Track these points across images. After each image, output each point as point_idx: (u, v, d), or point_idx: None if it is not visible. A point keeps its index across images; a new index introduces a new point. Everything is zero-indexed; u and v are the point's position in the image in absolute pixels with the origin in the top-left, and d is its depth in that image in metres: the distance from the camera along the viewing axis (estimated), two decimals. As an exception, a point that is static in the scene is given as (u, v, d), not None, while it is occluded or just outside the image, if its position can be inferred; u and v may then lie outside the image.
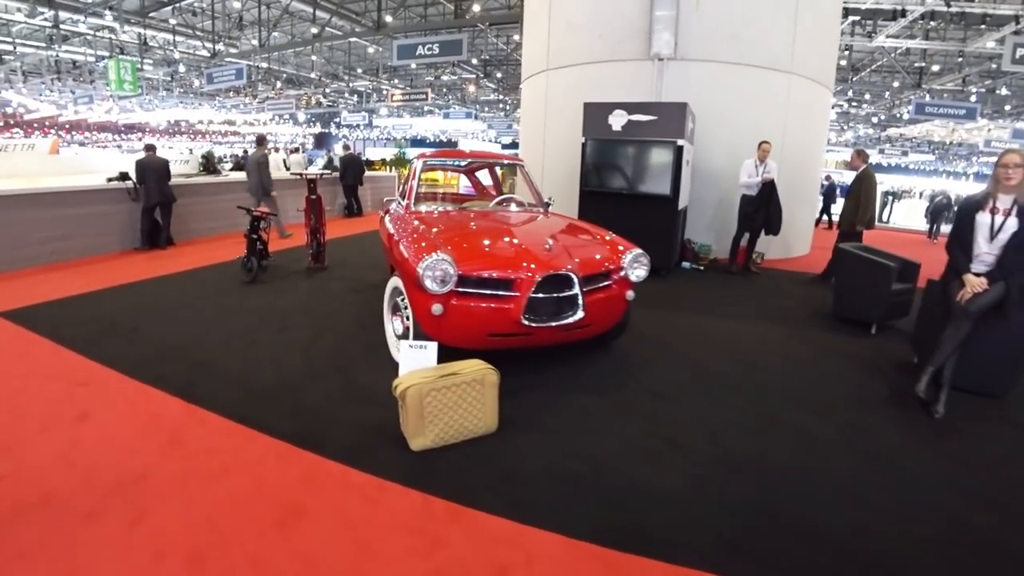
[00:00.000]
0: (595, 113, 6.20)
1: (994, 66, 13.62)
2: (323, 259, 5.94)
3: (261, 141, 7.86)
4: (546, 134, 8.46)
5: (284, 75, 21.54)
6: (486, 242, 3.22)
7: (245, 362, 3.33)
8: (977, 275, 3.03)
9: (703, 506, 2.12)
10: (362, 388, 3.00)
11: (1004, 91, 15.47)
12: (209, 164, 12.32)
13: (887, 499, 2.24)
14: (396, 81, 22.75)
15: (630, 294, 3.29)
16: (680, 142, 5.74)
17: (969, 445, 2.76)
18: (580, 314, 2.96)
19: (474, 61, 19.83)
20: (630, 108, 5.99)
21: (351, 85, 22.54)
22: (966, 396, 3.23)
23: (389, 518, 1.96)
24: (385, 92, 22.43)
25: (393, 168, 17.93)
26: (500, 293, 2.81)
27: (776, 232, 6.41)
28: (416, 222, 3.52)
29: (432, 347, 2.81)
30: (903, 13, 10.97)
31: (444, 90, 25.41)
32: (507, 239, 3.28)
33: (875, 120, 21.42)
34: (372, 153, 30.98)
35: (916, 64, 15.46)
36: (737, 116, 6.98)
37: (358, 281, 5.43)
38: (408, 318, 3.08)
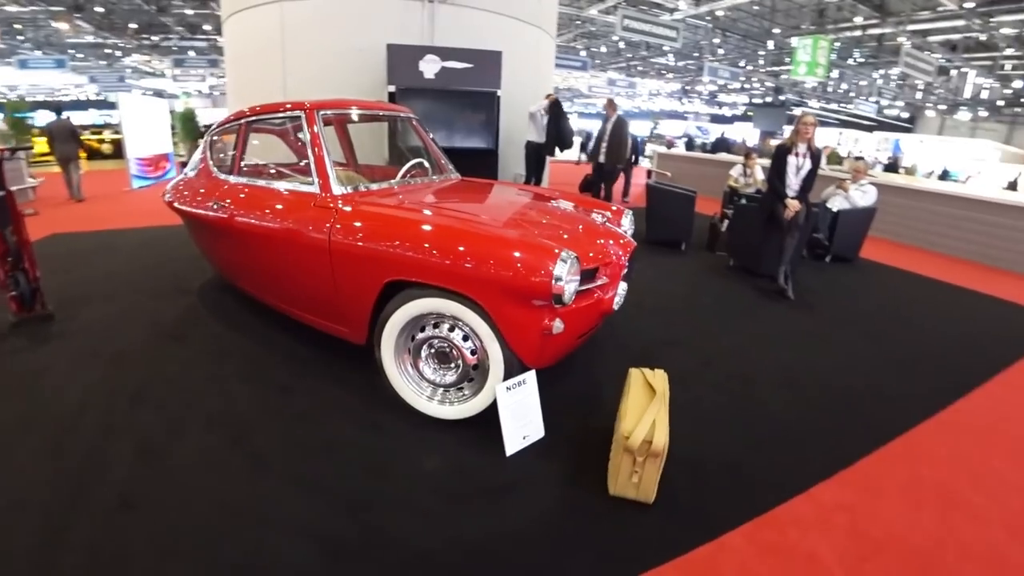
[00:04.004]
0: (402, 56, 5.37)
1: (593, 29, 18.01)
2: (43, 301, 3.46)
3: (60, 110, 8.48)
4: (287, 82, 6.78)
5: None
6: (556, 225, 2.54)
7: (209, 548, 1.74)
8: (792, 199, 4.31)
9: (855, 418, 2.60)
10: (475, 477, 2.06)
11: (604, 49, 20.76)
12: None
13: (854, 358, 3.31)
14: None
15: (619, 257, 3.28)
16: (499, 92, 5.64)
17: (828, 314, 4.09)
18: (625, 285, 2.82)
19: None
20: (443, 54, 5.45)
21: None
22: (773, 280, 4.49)
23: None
24: None
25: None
26: (598, 283, 2.39)
27: (569, 146, 7.04)
28: (449, 209, 2.53)
29: (531, 379, 2.26)
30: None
31: (16, 26, 16.49)
32: (550, 219, 2.65)
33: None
34: None
35: (541, 22, 18.95)
36: (504, 66, 7.19)
37: (155, 324, 3.33)
38: (473, 352, 2.27)
